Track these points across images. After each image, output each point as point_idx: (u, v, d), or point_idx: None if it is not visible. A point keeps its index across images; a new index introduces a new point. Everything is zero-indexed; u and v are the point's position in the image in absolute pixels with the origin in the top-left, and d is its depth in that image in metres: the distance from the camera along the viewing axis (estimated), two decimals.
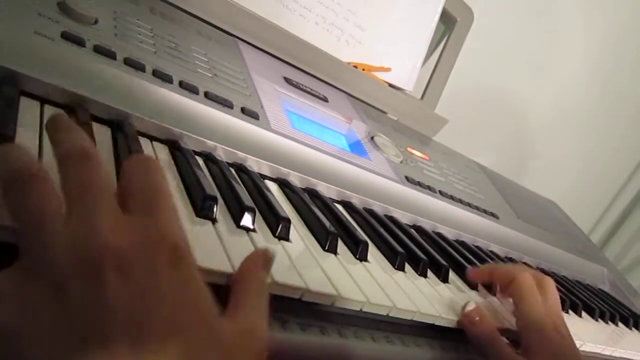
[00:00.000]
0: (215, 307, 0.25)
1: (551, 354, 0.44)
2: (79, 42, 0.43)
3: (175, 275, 0.23)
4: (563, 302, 0.61)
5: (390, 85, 0.88)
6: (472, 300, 0.47)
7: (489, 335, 0.45)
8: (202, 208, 0.36)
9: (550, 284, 0.51)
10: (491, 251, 0.72)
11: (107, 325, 0.21)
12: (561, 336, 0.46)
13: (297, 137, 0.54)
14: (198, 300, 0.24)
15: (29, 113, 0.36)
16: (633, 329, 0.78)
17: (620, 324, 0.76)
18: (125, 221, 0.24)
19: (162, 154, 0.42)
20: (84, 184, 0.24)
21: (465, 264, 0.56)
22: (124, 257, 0.22)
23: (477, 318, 0.46)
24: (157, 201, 0.26)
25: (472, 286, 0.53)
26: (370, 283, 0.40)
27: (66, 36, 0.42)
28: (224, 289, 0.28)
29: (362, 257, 0.44)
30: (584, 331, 0.61)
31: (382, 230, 0.51)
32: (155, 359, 0.21)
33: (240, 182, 0.43)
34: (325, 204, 0.50)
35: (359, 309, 0.37)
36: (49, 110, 0.38)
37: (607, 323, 0.72)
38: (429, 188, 0.68)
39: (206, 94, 0.49)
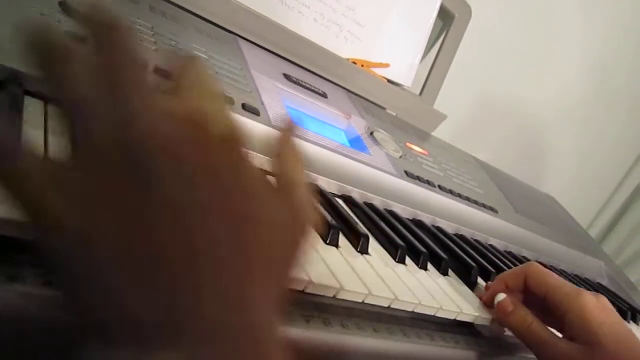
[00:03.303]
0: (270, 188, 0.25)
1: (600, 336, 0.42)
2: (82, 42, 0.43)
3: (226, 157, 0.23)
4: None
5: (389, 81, 0.89)
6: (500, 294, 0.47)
7: (524, 323, 0.45)
8: None
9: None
10: (490, 245, 0.72)
11: (166, 223, 0.20)
12: (605, 312, 0.44)
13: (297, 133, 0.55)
14: (253, 184, 0.24)
15: (33, 112, 0.36)
16: (631, 322, 0.78)
17: None
18: (169, 101, 0.23)
19: None
20: (114, 58, 0.23)
21: (465, 257, 0.56)
22: (174, 143, 0.21)
23: (509, 308, 0.46)
24: (201, 79, 0.25)
25: (472, 279, 0.54)
26: (372, 275, 0.41)
27: (67, 36, 0.42)
28: None
29: (363, 250, 0.45)
30: None
31: (382, 223, 0.52)
32: (223, 241, 0.21)
33: None
34: (325, 198, 0.51)
35: (361, 301, 0.38)
36: (53, 109, 0.38)
37: None
38: (428, 182, 0.68)
39: None
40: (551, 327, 0.46)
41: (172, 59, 0.26)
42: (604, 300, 0.45)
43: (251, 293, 0.22)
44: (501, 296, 0.47)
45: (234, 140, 0.24)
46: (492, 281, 0.52)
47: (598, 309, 0.43)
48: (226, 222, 0.21)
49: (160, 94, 0.23)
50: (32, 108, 0.36)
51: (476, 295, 0.51)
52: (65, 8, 0.45)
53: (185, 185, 0.21)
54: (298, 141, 0.30)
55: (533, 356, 0.47)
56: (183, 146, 0.21)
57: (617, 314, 0.45)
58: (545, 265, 0.53)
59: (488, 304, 0.49)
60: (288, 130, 0.30)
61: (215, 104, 0.24)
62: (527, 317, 0.45)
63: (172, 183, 0.20)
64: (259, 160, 0.49)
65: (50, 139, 0.34)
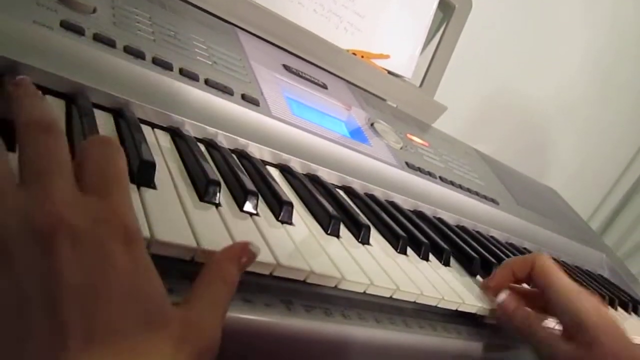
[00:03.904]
0: (165, 292, 0.24)
1: (597, 337, 0.42)
2: (79, 31, 0.43)
3: (127, 255, 0.23)
4: None
5: (389, 73, 0.88)
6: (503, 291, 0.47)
7: (526, 322, 0.45)
8: (206, 193, 0.36)
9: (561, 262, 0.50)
10: (492, 236, 0.72)
11: (55, 295, 0.20)
12: (601, 315, 0.44)
13: (297, 124, 0.54)
14: (146, 281, 0.24)
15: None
16: (632, 313, 0.78)
17: (619, 308, 0.76)
18: (81, 198, 0.24)
19: (164, 141, 0.42)
20: (44, 154, 0.24)
21: (467, 248, 0.56)
22: (78, 232, 0.21)
23: (511, 308, 0.46)
24: (112, 183, 0.25)
25: (473, 270, 0.54)
26: (373, 266, 0.41)
27: (65, 25, 0.42)
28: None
29: (365, 240, 0.44)
30: None
31: (383, 214, 0.52)
32: (107, 338, 0.20)
33: (242, 168, 0.43)
34: (326, 189, 0.51)
35: (362, 291, 0.38)
36: (51, 100, 0.38)
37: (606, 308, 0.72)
38: (429, 174, 0.68)
39: (206, 81, 0.49)
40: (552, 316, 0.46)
41: (86, 146, 0.27)
42: (601, 303, 0.46)
43: None
44: (502, 296, 0.47)
45: (136, 238, 0.24)
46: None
47: (596, 311, 0.44)
48: (122, 315, 0.21)
49: (74, 186, 0.24)
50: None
51: (481, 281, 0.51)
52: None
53: (84, 271, 0.21)
54: None
55: None
56: (86, 241, 0.22)
57: (613, 317, 0.45)
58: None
59: (493, 288, 0.49)
60: (232, 253, 0.29)
61: (125, 201, 0.25)
62: (529, 317, 0.45)
63: (71, 267, 0.21)
64: (259, 150, 0.49)
65: None
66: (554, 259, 0.70)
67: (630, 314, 0.78)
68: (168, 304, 0.24)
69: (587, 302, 0.44)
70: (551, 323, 0.48)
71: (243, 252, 0.29)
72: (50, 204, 0.22)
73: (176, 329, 0.23)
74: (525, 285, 0.51)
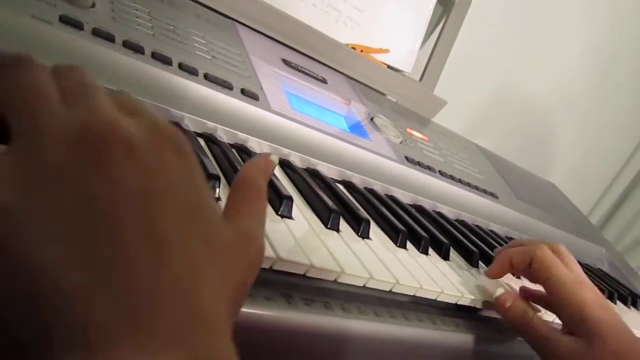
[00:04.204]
0: (216, 202, 0.24)
1: (599, 331, 0.42)
2: (78, 26, 0.43)
3: (181, 165, 0.23)
4: None
5: (389, 67, 0.88)
6: (501, 286, 0.47)
7: (524, 318, 0.45)
8: None
9: (564, 249, 0.49)
10: (491, 230, 0.72)
11: (116, 204, 0.19)
12: (603, 308, 0.44)
13: (297, 118, 0.54)
14: (203, 192, 0.23)
15: None
16: (631, 307, 0.79)
17: (618, 302, 0.76)
18: (127, 115, 0.23)
19: None
20: (82, 78, 0.24)
21: (466, 242, 0.56)
22: (133, 140, 0.21)
23: (507, 304, 0.45)
24: (145, 108, 0.25)
25: (473, 264, 0.54)
26: (373, 260, 0.41)
27: (64, 20, 0.42)
28: None
29: (364, 234, 0.45)
30: None
31: (383, 208, 0.52)
32: (167, 245, 0.20)
33: (241, 162, 0.43)
34: (326, 184, 0.51)
35: (362, 285, 0.38)
36: None
37: None
38: (428, 168, 0.68)
39: (206, 76, 0.49)
40: (551, 310, 0.46)
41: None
42: (603, 298, 0.45)
43: (205, 294, 0.20)
44: (500, 291, 0.46)
45: (190, 151, 0.24)
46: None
47: (597, 305, 0.43)
48: (180, 220, 0.21)
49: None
50: None
51: (481, 273, 0.51)
52: None
53: (143, 178, 0.20)
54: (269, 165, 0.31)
55: None
56: (141, 150, 0.21)
57: (614, 309, 0.45)
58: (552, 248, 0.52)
59: (491, 277, 0.49)
60: (258, 165, 0.30)
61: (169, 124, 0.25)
62: (526, 312, 0.45)
63: (131, 173, 0.20)
64: (259, 145, 0.49)
65: None
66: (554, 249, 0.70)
67: (629, 307, 0.78)
68: (220, 214, 0.24)
69: (588, 295, 0.44)
70: (550, 317, 0.49)
71: (267, 162, 0.30)
72: (101, 114, 0.21)
73: (232, 242, 0.23)
74: (531, 285, 0.51)
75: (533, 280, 0.49)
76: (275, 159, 0.31)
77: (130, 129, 0.21)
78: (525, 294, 0.49)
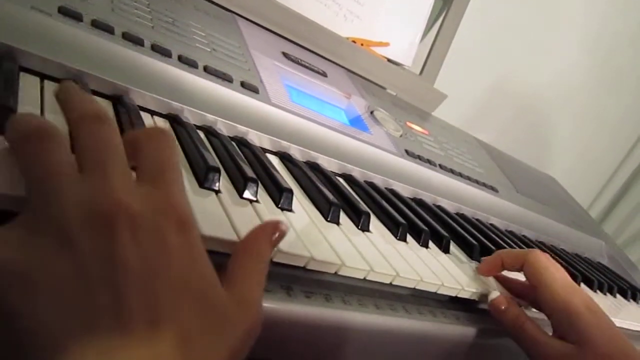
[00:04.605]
0: (216, 275, 0.25)
1: (590, 336, 0.42)
2: (77, 17, 0.42)
3: (181, 241, 0.24)
4: None
5: (389, 61, 0.88)
6: (494, 289, 0.47)
7: (517, 322, 0.45)
8: (206, 180, 0.36)
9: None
10: (491, 224, 0.72)
11: (118, 279, 0.21)
12: (593, 313, 0.44)
13: (297, 111, 0.54)
14: (201, 266, 0.25)
15: (29, 89, 0.36)
16: (631, 300, 0.79)
17: (618, 295, 0.77)
18: (138, 187, 0.25)
19: (163, 127, 0.42)
20: (99, 144, 0.25)
21: (467, 235, 0.56)
22: (136, 218, 0.22)
23: (502, 307, 0.45)
24: (167, 173, 0.26)
25: (473, 257, 0.54)
26: (373, 252, 0.41)
27: (63, 11, 0.42)
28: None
29: (364, 227, 0.44)
30: None
31: (383, 202, 0.52)
32: (168, 322, 0.21)
33: (241, 155, 0.43)
34: (326, 177, 0.50)
35: (362, 278, 0.38)
36: (50, 86, 0.38)
37: (605, 295, 0.73)
38: (428, 162, 0.68)
39: (205, 68, 0.49)
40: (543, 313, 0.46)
41: (142, 137, 0.28)
42: (594, 303, 0.45)
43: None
44: (495, 294, 0.46)
45: (191, 226, 0.25)
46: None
47: (588, 311, 0.43)
48: (177, 294, 0.22)
49: (130, 175, 0.25)
50: (28, 85, 0.36)
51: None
52: None
53: (145, 257, 0.22)
54: None
55: None
56: (144, 227, 0.23)
57: (606, 315, 0.45)
58: (547, 247, 0.52)
59: (482, 274, 0.49)
60: (265, 232, 0.30)
61: (180, 191, 0.27)
62: (520, 316, 0.45)
63: (133, 254, 0.22)
64: (259, 137, 0.49)
65: (47, 115, 0.34)
66: (551, 250, 0.70)
67: (629, 300, 0.78)
68: (220, 287, 0.25)
69: (579, 300, 0.44)
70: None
71: (275, 229, 0.30)
72: (112, 192, 0.23)
73: (228, 309, 0.25)
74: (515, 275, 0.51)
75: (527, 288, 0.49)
76: (286, 227, 0.31)
77: (135, 209, 0.23)
78: (511, 284, 0.50)
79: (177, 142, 0.28)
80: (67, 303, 0.20)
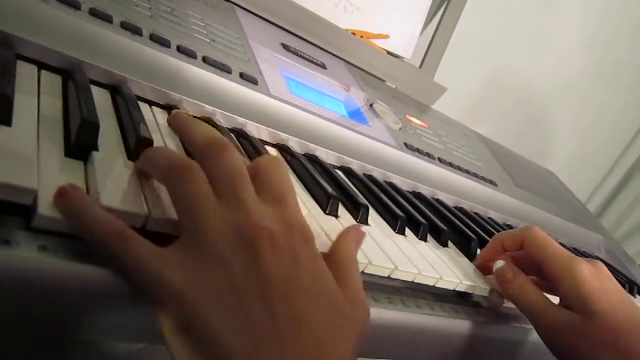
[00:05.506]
0: (334, 280, 0.29)
1: (595, 303, 0.42)
2: (75, 5, 0.42)
3: (308, 253, 0.29)
4: None
5: (389, 53, 0.87)
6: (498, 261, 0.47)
7: (523, 292, 0.44)
8: None
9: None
10: (490, 218, 0.72)
11: (266, 291, 0.25)
12: (599, 281, 0.43)
13: (296, 103, 0.54)
14: (325, 273, 0.29)
15: (26, 77, 0.35)
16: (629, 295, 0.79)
17: None
18: (267, 208, 0.29)
19: (162, 119, 0.42)
20: (230, 172, 0.29)
21: (465, 229, 0.56)
22: (275, 236, 0.27)
23: (509, 276, 0.45)
24: (286, 195, 0.31)
25: (472, 251, 0.54)
26: (372, 246, 0.41)
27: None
28: None
29: (363, 220, 0.44)
30: None
31: (382, 195, 0.51)
32: (308, 324, 0.26)
33: (240, 147, 0.43)
34: (325, 169, 0.50)
35: (361, 271, 0.38)
36: (47, 75, 0.37)
37: None
38: (428, 155, 0.68)
39: (204, 59, 0.48)
40: (547, 292, 0.46)
41: (262, 165, 0.32)
42: (601, 267, 0.45)
43: (339, 349, 0.27)
44: (500, 263, 0.46)
45: (313, 240, 0.30)
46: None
47: (594, 278, 0.43)
48: (312, 298, 0.27)
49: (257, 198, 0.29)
50: (25, 73, 0.35)
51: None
52: None
53: (285, 267, 0.27)
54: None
55: (529, 326, 0.47)
56: (281, 244, 0.27)
57: (615, 281, 0.44)
58: None
59: (484, 262, 0.49)
60: (350, 235, 0.35)
61: (300, 210, 0.31)
62: (526, 286, 0.45)
63: (276, 265, 0.26)
64: (257, 129, 0.49)
65: (42, 103, 0.33)
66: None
67: None
68: (340, 290, 0.29)
69: (585, 269, 0.43)
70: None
71: (358, 232, 0.35)
72: (250, 216, 0.27)
73: (348, 309, 0.29)
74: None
75: (528, 264, 0.48)
76: (364, 231, 0.36)
77: (272, 227, 0.27)
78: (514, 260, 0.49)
79: (287, 165, 0.35)
80: (228, 312, 0.25)
